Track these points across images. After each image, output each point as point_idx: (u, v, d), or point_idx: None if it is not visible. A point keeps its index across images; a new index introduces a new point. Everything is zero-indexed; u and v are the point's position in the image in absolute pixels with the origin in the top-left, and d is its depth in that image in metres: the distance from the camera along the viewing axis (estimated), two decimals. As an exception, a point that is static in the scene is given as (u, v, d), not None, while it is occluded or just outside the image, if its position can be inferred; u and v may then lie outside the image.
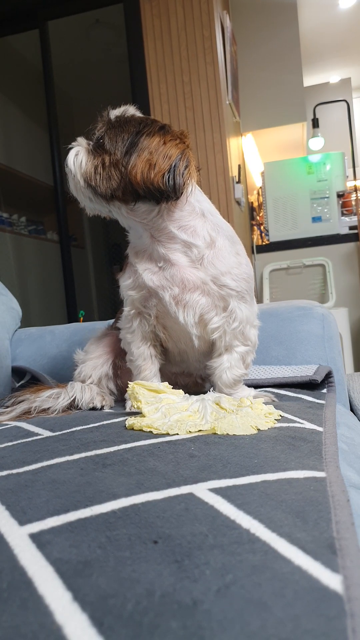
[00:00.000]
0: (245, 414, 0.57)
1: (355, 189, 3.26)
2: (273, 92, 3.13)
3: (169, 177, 0.64)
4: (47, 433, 0.58)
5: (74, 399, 0.76)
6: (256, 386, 0.86)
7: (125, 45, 2.59)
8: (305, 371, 0.90)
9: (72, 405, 0.77)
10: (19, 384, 1.08)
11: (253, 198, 3.62)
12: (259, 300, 3.05)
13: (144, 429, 0.55)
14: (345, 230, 3.20)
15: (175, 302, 0.70)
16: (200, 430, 0.54)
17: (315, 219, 3.20)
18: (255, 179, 3.91)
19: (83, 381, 0.83)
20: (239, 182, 2.72)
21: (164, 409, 0.58)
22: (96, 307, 4.18)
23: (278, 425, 0.57)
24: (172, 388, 0.66)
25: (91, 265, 4.23)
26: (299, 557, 0.27)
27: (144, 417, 0.57)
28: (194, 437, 0.52)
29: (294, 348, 1.03)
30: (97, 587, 0.25)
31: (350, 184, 3.49)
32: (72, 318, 3.10)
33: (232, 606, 0.23)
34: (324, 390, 0.86)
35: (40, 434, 0.58)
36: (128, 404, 0.74)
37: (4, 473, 0.44)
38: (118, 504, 0.34)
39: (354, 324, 3.08)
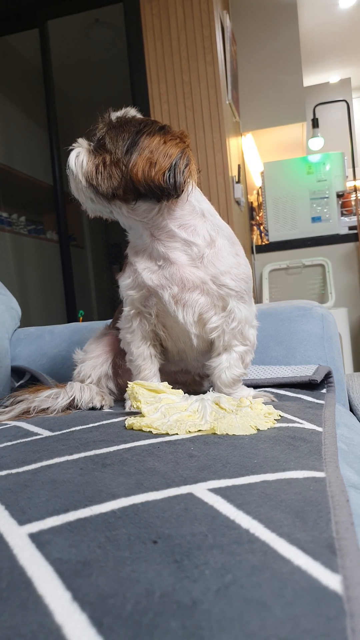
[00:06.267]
0: (245, 414, 0.57)
1: (355, 189, 3.26)
2: (273, 92, 3.13)
3: (169, 175, 0.64)
4: (46, 433, 0.58)
5: (73, 399, 0.76)
6: (255, 386, 0.86)
7: (125, 44, 2.59)
8: (305, 371, 0.90)
9: (72, 405, 0.77)
10: (18, 383, 1.08)
11: (253, 198, 3.62)
12: (259, 300, 3.05)
13: (144, 428, 0.55)
14: (344, 231, 3.20)
15: (175, 301, 0.70)
16: (199, 430, 0.54)
17: (315, 219, 3.20)
18: (254, 178, 3.91)
19: (82, 381, 0.83)
20: (238, 182, 2.72)
21: (163, 409, 0.58)
22: (95, 307, 4.18)
23: (277, 425, 0.57)
24: (172, 386, 0.66)
25: (90, 264, 4.23)
26: (298, 557, 0.27)
27: (144, 417, 0.57)
28: (193, 437, 0.52)
29: (294, 348, 1.03)
30: (96, 587, 0.25)
31: (349, 184, 3.50)
32: (71, 318, 3.10)
33: (232, 606, 0.23)
34: (324, 391, 0.86)
35: (39, 434, 0.58)
36: (127, 404, 0.74)
37: (3, 473, 0.44)
38: (117, 503, 0.34)
39: (353, 324, 3.09)
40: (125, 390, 0.65)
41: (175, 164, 0.64)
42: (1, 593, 0.25)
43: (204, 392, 0.68)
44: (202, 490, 0.36)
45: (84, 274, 4.08)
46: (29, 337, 1.24)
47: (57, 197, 2.92)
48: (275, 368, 0.96)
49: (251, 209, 3.53)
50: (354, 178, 3.35)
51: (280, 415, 0.61)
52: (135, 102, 2.53)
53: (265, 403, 0.67)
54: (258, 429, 0.55)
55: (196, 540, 0.29)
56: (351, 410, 1.02)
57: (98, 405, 0.77)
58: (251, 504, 0.34)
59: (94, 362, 0.85)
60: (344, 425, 0.70)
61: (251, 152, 3.61)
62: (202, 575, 0.26)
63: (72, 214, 3.11)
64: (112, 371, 0.85)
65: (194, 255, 0.70)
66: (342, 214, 3.29)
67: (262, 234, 3.38)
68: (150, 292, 0.71)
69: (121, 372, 0.86)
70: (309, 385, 0.87)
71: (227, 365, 0.73)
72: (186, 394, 0.66)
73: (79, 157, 0.70)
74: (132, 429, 0.56)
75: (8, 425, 0.65)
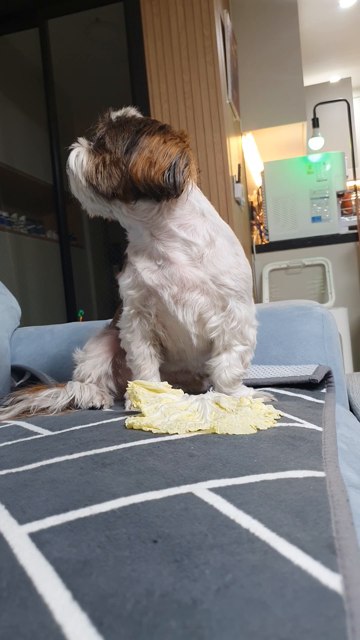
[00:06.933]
0: (245, 413, 0.57)
1: (355, 189, 3.26)
2: (273, 92, 3.13)
3: (169, 174, 0.64)
4: (46, 432, 0.58)
5: (73, 398, 0.76)
6: (255, 386, 0.86)
7: (125, 44, 2.59)
8: (305, 371, 0.90)
9: (72, 405, 0.77)
10: (18, 383, 1.08)
11: (253, 198, 3.62)
12: (259, 300, 3.05)
13: (144, 428, 0.55)
14: (344, 230, 3.20)
15: (175, 301, 0.70)
16: (199, 430, 0.54)
17: (315, 219, 3.20)
18: (255, 178, 3.91)
19: (82, 380, 0.83)
20: (238, 181, 2.72)
21: (163, 409, 0.58)
22: (95, 307, 4.18)
23: (277, 424, 0.57)
24: (172, 386, 0.66)
25: (90, 264, 4.23)
26: (298, 557, 0.27)
27: (144, 416, 0.57)
28: (193, 436, 0.52)
29: (294, 348, 1.03)
30: (96, 587, 0.25)
31: (350, 183, 3.49)
32: (71, 317, 3.10)
33: (232, 606, 0.23)
34: (324, 390, 0.86)
35: (39, 433, 0.58)
36: (127, 403, 0.74)
37: (4, 472, 0.44)
38: (117, 503, 0.34)
39: (353, 324, 3.09)
40: (125, 390, 0.65)
41: (174, 163, 0.64)
42: (1, 592, 0.25)
43: (204, 392, 0.68)
44: (202, 490, 0.36)
45: (84, 273, 4.07)
46: (29, 337, 1.24)
47: (57, 197, 2.92)
48: (275, 368, 0.96)
49: (251, 208, 3.53)
50: (354, 178, 3.35)
51: (280, 415, 0.61)
52: (135, 101, 2.53)
53: (265, 403, 0.67)
54: (258, 429, 0.55)
55: (196, 539, 0.29)
56: (351, 410, 1.02)
57: (98, 405, 0.77)
58: (251, 503, 0.34)
59: (94, 361, 0.85)
60: (344, 425, 0.70)
61: (251, 151, 3.61)
62: (202, 574, 0.26)
63: (72, 213, 3.10)
64: (112, 371, 0.85)
65: (193, 255, 0.70)
66: (342, 214, 3.29)
67: (262, 234, 3.38)
68: (149, 292, 0.71)
69: (121, 372, 0.86)
70: (308, 385, 0.87)
71: (227, 365, 0.73)
72: (186, 394, 0.66)
73: (79, 157, 0.70)
74: (132, 428, 0.56)
75: (8, 425, 0.65)
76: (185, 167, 0.65)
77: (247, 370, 0.76)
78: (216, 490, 0.36)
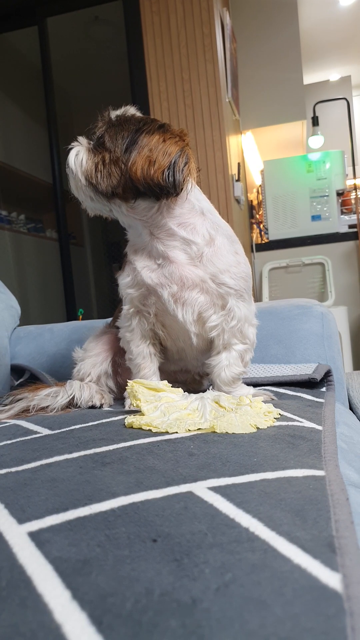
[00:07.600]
0: (245, 412, 0.57)
1: (355, 188, 3.26)
2: (273, 90, 3.12)
3: (168, 173, 0.64)
4: (46, 431, 0.58)
5: (73, 397, 0.76)
6: (255, 385, 0.86)
7: (125, 42, 2.59)
8: (305, 370, 0.90)
9: (71, 404, 0.77)
10: (18, 382, 1.08)
11: (252, 196, 3.62)
12: (258, 298, 3.05)
13: (143, 427, 0.55)
14: (344, 229, 3.20)
15: (174, 300, 0.70)
16: (199, 429, 0.54)
17: (315, 218, 3.20)
18: (254, 177, 3.91)
19: (82, 379, 0.83)
20: (238, 180, 2.72)
21: (163, 408, 0.58)
22: (95, 305, 4.18)
23: (277, 423, 0.57)
24: (171, 385, 0.66)
25: (90, 263, 4.23)
26: (298, 556, 0.27)
27: (143, 415, 0.57)
28: (193, 435, 0.52)
29: (293, 347, 1.03)
30: (96, 586, 0.25)
31: (349, 182, 3.49)
32: (71, 316, 3.10)
33: (232, 605, 0.23)
34: (323, 389, 0.86)
35: (39, 432, 0.58)
36: (127, 402, 0.74)
37: (3, 471, 0.44)
38: (117, 502, 0.34)
39: (353, 323, 3.09)
40: (125, 389, 0.65)
41: (174, 162, 0.64)
42: (1, 592, 0.25)
43: (204, 391, 0.68)
44: (201, 489, 0.36)
45: (84, 272, 4.07)
46: (29, 336, 1.24)
47: (57, 196, 2.92)
48: (275, 366, 0.96)
49: (251, 207, 3.52)
50: (354, 176, 3.34)
51: (279, 414, 0.61)
52: (135, 100, 2.53)
53: (265, 401, 0.67)
54: (258, 428, 0.55)
55: (196, 538, 0.29)
56: (351, 408, 1.02)
57: (98, 404, 0.77)
58: (251, 502, 0.34)
59: (93, 360, 0.85)
60: (343, 424, 0.70)
61: (251, 150, 3.61)
62: (202, 573, 0.26)
63: (71, 212, 3.10)
64: (111, 369, 0.85)
65: (193, 254, 0.70)
66: (342, 213, 3.29)
67: (262, 233, 3.38)
68: (149, 291, 0.71)
69: (121, 371, 0.86)
70: (308, 384, 0.87)
71: (226, 364, 0.73)
72: (186, 393, 0.66)
73: (79, 156, 0.70)
74: (131, 427, 0.56)
75: (7, 424, 0.65)
76: (184, 166, 0.65)
77: (247, 369, 0.76)
78: (216, 489, 0.36)
